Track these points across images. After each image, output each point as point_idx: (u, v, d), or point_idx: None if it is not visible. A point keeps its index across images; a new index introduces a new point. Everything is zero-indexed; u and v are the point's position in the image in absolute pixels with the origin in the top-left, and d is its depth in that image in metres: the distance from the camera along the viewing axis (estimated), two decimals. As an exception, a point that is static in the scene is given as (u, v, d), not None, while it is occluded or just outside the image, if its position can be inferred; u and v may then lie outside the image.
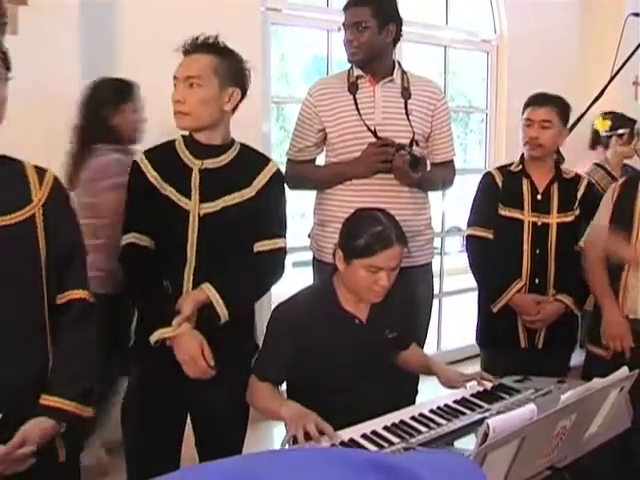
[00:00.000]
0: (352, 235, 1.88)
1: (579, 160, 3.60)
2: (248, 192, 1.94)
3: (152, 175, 1.92)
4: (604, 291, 2.37)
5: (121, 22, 2.91)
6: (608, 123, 3.68)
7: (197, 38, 1.90)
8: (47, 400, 1.47)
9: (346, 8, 2.46)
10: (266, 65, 3.43)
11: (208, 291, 1.86)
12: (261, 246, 1.97)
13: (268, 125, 3.59)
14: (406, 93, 2.49)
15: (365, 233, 1.85)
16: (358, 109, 2.44)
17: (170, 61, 1.96)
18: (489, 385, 1.95)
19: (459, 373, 2.03)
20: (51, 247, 1.52)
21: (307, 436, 1.61)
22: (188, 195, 1.90)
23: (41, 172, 1.55)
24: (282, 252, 1.99)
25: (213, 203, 1.91)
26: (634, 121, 3.65)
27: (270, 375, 1.89)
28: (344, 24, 2.44)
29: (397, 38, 2.51)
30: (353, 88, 2.48)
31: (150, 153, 1.99)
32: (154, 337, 1.82)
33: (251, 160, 2.00)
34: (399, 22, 2.48)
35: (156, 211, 1.92)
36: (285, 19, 3.71)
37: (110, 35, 2.89)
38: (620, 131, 3.65)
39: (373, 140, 2.41)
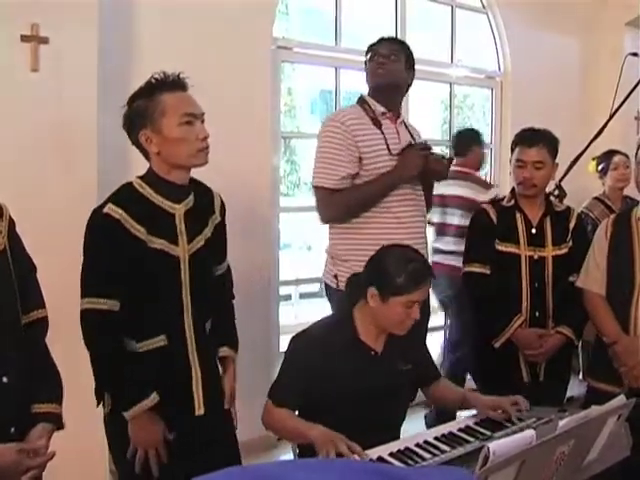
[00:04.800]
0: (389, 274, 1.93)
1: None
2: (212, 220, 2.02)
3: (137, 230, 1.81)
4: (615, 331, 2.34)
5: (138, 60, 3.02)
6: (594, 163, 3.78)
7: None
8: (41, 408, 1.65)
9: (380, 42, 2.61)
10: (275, 101, 3.53)
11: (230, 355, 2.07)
12: (221, 268, 2.12)
13: (277, 158, 3.68)
14: (410, 134, 2.67)
15: (404, 271, 1.90)
16: (387, 144, 2.54)
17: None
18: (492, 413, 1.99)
19: (491, 399, 2.03)
20: (17, 271, 1.64)
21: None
22: (175, 241, 1.89)
23: None
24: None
25: (196, 241, 1.94)
26: (617, 152, 3.74)
27: (286, 401, 1.93)
28: (375, 54, 2.57)
29: (409, 86, 2.72)
30: (378, 123, 2.57)
31: (121, 204, 1.82)
32: (135, 412, 1.80)
33: (202, 190, 2.04)
34: (414, 75, 2.70)
35: (143, 267, 1.83)
36: (295, 57, 3.81)
37: (127, 72, 3.00)
38: (602, 165, 3.75)
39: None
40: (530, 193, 2.62)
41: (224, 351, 2.07)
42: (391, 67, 2.57)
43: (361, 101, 2.64)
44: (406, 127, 2.73)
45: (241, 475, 0.61)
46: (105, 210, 1.80)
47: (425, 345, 2.29)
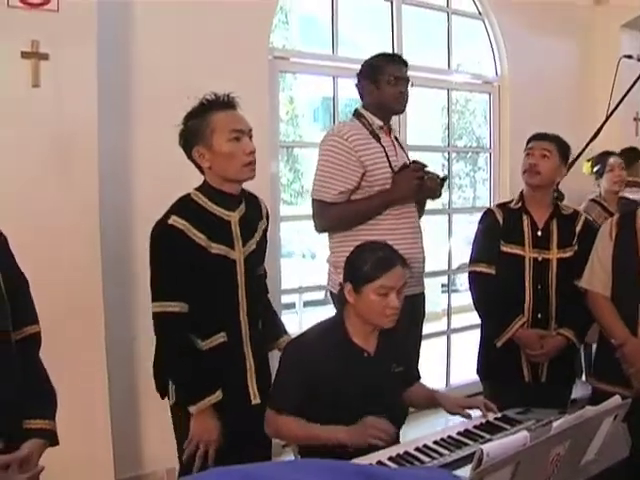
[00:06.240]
0: (357, 265, 2.00)
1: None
2: (261, 225, 2.20)
3: (200, 238, 1.97)
4: (623, 333, 2.34)
5: (137, 74, 3.05)
6: (588, 165, 3.80)
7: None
8: (33, 424, 1.63)
9: (394, 62, 2.71)
10: (274, 110, 3.56)
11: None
12: (262, 269, 2.29)
13: (276, 167, 3.72)
14: (401, 147, 2.79)
15: (369, 259, 1.97)
16: (388, 157, 2.63)
17: (184, 110, 2.09)
18: (492, 416, 2.01)
19: (462, 398, 2.09)
20: (8, 287, 1.64)
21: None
22: (232, 246, 2.06)
23: None
24: None
25: (249, 244, 2.12)
26: (611, 153, 3.77)
27: (286, 407, 1.95)
28: (394, 77, 2.66)
29: None
30: (377, 137, 2.66)
31: (183, 215, 1.98)
32: (199, 407, 1.97)
33: (251, 198, 2.22)
34: None
35: (205, 271, 1.99)
36: (292, 67, 3.83)
37: (126, 87, 3.04)
38: (597, 167, 3.76)
39: None
40: (534, 182, 2.65)
41: (284, 340, 2.30)
42: (407, 94, 2.71)
43: (358, 115, 2.73)
44: (396, 140, 2.82)
45: (226, 476, 0.63)
46: (170, 222, 1.96)
47: (414, 347, 2.30)
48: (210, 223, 2.02)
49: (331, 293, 2.73)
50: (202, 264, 1.99)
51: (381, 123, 2.69)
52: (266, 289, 2.38)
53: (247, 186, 2.19)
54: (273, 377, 2.17)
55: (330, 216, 2.65)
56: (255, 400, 2.09)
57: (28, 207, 2.58)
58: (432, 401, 2.15)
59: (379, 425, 1.82)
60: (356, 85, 2.81)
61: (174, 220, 1.96)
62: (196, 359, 2.00)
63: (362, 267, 1.97)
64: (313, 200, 2.69)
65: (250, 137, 2.06)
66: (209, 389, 1.99)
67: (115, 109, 2.96)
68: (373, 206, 2.61)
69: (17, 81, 2.60)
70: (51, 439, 1.68)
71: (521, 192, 2.75)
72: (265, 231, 2.23)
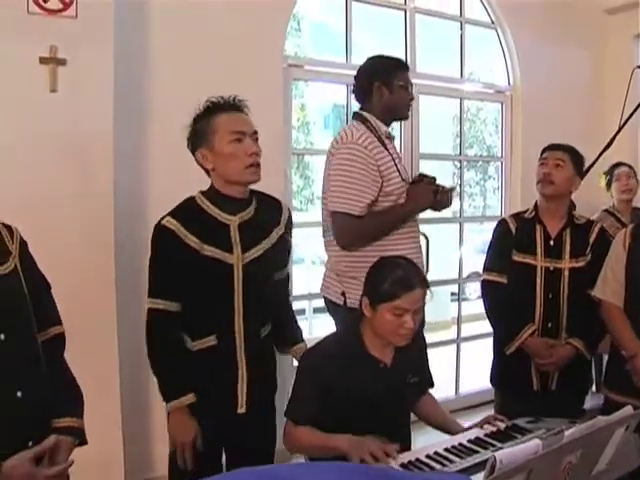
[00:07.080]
0: (376, 282, 1.98)
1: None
2: (277, 231, 2.13)
3: (191, 239, 1.97)
4: (634, 345, 2.34)
5: (152, 81, 3.08)
6: (604, 177, 3.82)
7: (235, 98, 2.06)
8: (62, 422, 1.65)
9: (407, 68, 2.70)
10: (287, 118, 3.58)
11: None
12: (280, 274, 2.26)
13: (289, 173, 3.73)
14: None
15: (388, 278, 1.94)
16: (396, 165, 2.59)
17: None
18: (502, 425, 2.01)
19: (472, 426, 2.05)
20: (30, 290, 1.67)
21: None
22: (230, 250, 2.02)
23: (8, 228, 1.71)
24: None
25: (254, 250, 2.06)
26: (621, 164, 3.79)
27: (305, 419, 1.96)
28: (408, 84, 2.67)
29: None
30: (383, 144, 2.58)
31: (177, 216, 2.00)
32: (172, 406, 1.98)
33: (268, 203, 2.18)
34: None
35: (197, 273, 1.98)
36: (306, 75, 3.85)
37: (142, 93, 3.06)
38: (607, 178, 3.79)
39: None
40: (547, 192, 2.66)
41: (300, 347, 2.28)
42: None
43: (362, 118, 2.62)
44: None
45: (250, 477, 0.64)
46: (163, 222, 2.00)
47: (425, 355, 2.28)
48: (206, 226, 2.01)
49: (329, 301, 2.67)
50: (194, 266, 1.98)
51: (387, 129, 2.63)
52: (287, 293, 2.38)
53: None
54: (279, 385, 2.19)
55: (359, 230, 2.49)
56: (241, 409, 2.05)
57: (44, 210, 2.60)
58: (443, 425, 2.14)
59: (381, 445, 1.76)
60: (358, 86, 2.68)
61: (167, 221, 1.99)
62: (178, 358, 2.00)
63: (380, 285, 1.95)
64: (337, 214, 2.50)
65: (255, 139, 2.03)
66: (183, 390, 1.98)
67: (131, 114, 2.99)
68: (396, 217, 2.54)
69: (35, 86, 2.63)
70: (80, 437, 1.69)
71: (535, 202, 2.76)
72: (282, 237, 2.16)
